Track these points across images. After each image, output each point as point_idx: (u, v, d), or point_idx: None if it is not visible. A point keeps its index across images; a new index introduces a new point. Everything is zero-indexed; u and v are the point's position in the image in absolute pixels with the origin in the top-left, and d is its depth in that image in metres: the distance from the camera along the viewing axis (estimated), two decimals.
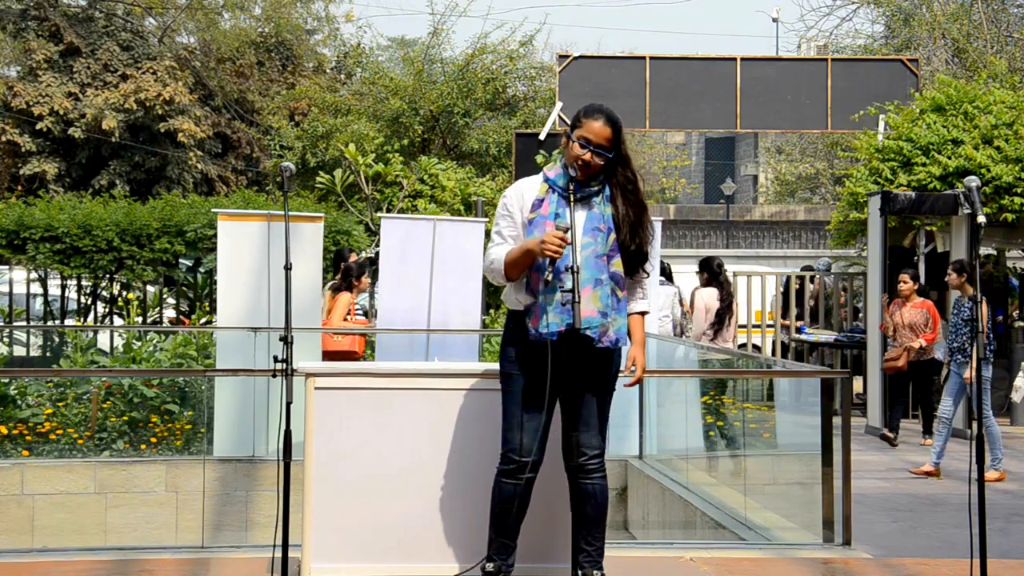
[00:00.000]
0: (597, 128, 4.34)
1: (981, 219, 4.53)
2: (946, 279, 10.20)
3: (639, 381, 4.50)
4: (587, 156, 4.34)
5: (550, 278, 4.26)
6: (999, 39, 20.62)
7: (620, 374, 4.53)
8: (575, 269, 4.26)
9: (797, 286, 15.11)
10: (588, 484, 4.43)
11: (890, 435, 10.79)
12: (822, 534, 5.78)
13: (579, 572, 4.49)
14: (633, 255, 4.42)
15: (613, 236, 4.36)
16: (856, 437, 10.68)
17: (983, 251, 13.69)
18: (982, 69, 17.80)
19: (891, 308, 11.10)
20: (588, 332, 4.28)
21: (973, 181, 4.67)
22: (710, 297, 11.54)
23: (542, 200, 4.40)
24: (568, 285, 4.26)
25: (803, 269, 16.94)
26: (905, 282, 10.91)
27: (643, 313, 4.57)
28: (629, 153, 4.49)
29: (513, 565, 4.55)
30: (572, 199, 4.36)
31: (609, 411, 4.51)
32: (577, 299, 4.22)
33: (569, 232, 4.29)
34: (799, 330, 14.78)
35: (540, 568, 4.75)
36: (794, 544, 5.87)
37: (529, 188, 4.48)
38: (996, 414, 12.68)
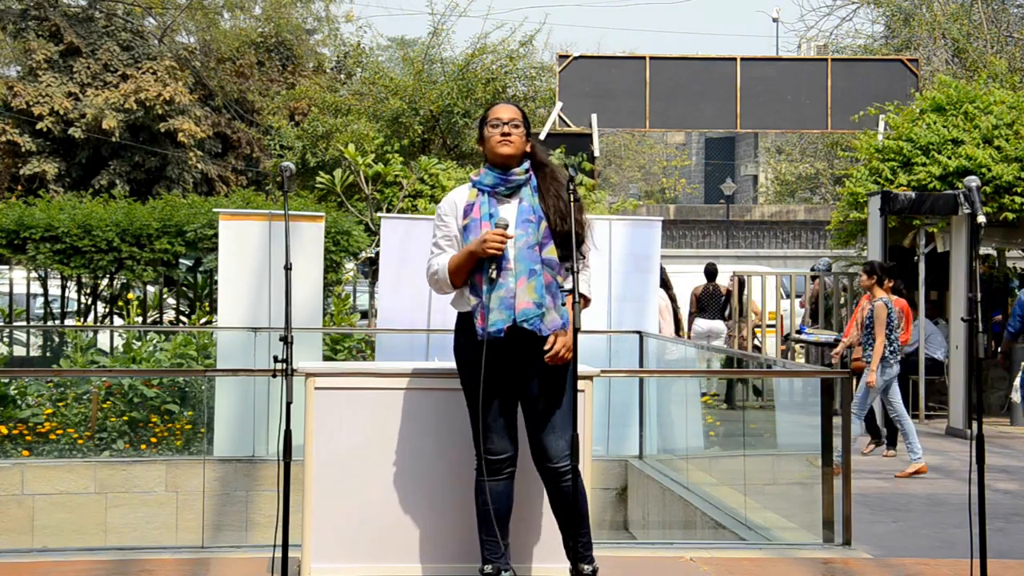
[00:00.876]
0: (500, 108, 4.53)
1: (981, 219, 4.54)
2: (857, 279, 9.96)
3: (555, 355, 4.33)
4: (504, 128, 4.45)
5: (494, 275, 4.33)
6: (999, 39, 20.62)
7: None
8: (575, 270, 4.29)
9: (730, 286, 14.90)
10: (563, 485, 4.42)
11: (890, 453, 10.32)
12: (822, 534, 5.78)
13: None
14: (566, 238, 4.40)
15: (544, 224, 4.42)
16: (856, 437, 10.67)
17: (983, 251, 13.68)
18: (982, 69, 17.81)
19: (860, 305, 10.44)
20: (526, 325, 4.31)
21: (973, 181, 4.67)
22: (664, 298, 11.91)
23: (472, 204, 4.49)
24: (511, 283, 4.33)
25: (812, 269, 16.94)
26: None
27: (584, 297, 4.50)
28: (541, 151, 4.62)
29: (509, 564, 4.55)
30: (572, 196, 4.38)
31: (575, 406, 4.46)
32: (577, 299, 4.25)
33: (532, 228, 4.39)
34: (799, 330, 14.78)
35: (538, 568, 4.75)
36: (794, 544, 5.87)
37: (460, 195, 4.59)
38: (996, 414, 12.74)
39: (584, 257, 4.54)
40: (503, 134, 4.46)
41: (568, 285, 4.48)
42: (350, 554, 4.80)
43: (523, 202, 4.48)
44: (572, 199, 4.38)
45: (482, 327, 4.34)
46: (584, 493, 4.49)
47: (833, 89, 16.31)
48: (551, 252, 4.40)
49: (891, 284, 10.13)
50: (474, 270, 4.40)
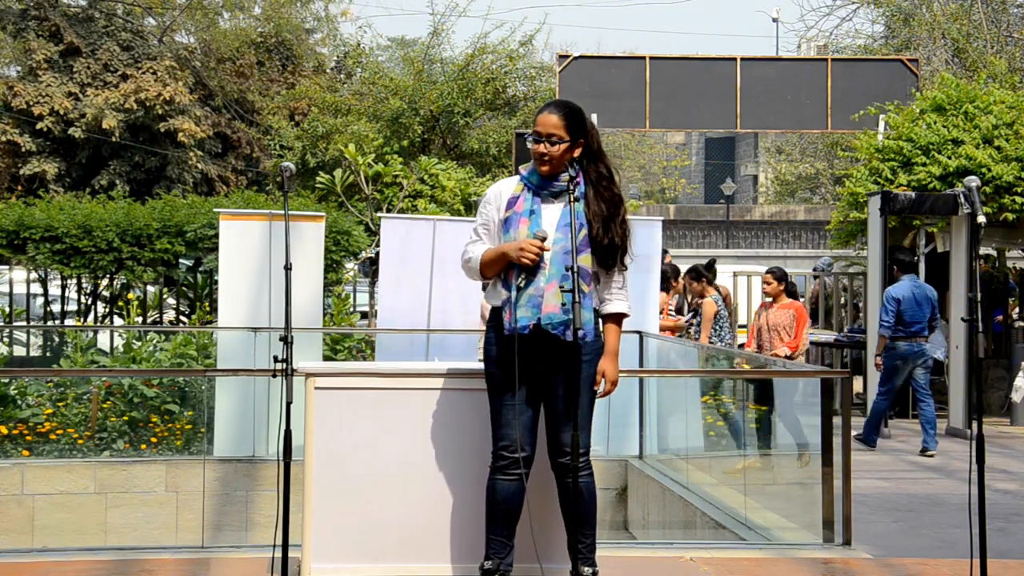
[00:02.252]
0: (543, 119, 4.44)
1: (981, 219, 4.53)
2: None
3: (608, 394, 4.48)
4: (541, 147, 4.41)
5: (523, 285, 4.33)
6: (999, 39, 20.61)
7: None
8: (575, 270, 4.28)
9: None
10: (575, 481, 4.42)
11: None
12: (822, 534, 5.78)
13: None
14: (607, 249, 4.42)
15: (584, 232, 4.39)
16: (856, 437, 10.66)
17: (983, 251, 13.68)
18: (982, 69, 17.80)
19: (757, 311, 10.25)
20: (550, 329, 4.33)
21: (973, 181, 4.67)
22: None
23: (517, 198, 4.47)
24: (540, 283, 4.34)
25: (815, 270, 16.92)
26: (768, 282, 9.89)
27: (618, 315, 4.53)
28: (601, 148, 4.54)
29: (511, 564, 4.55)
30: (571, 197, 4.38)
31: (592, 407, 4.49)
32: (578, 299, 4.24)
33: (558, 237, 4.37)
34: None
35: (538, 568, 4.74)
36: (794, 544, 5.87)
37: (507, 187, 4.57)
38: (996, 414, 12.73)
39: (626, 268, 4.53)
40: (539, 152, 4.42)
41: (610, 303, 4.49)
42: (350, 554, 4.80)
43: (567, 205, 4.43)
44: (572, 199, 4.38)
45: (509, 322, 4.35)
46: (594, 495, 4.51)
47: (833, 89, 16.29)
48: (584, 261, 4.37)
49: (782, 288, 9.85)
50: (507, 266, 4.40)
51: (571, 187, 4.39)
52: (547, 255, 4.36)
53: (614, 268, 4.48)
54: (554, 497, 4.60)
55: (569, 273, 4.31)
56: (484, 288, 4.60)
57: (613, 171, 4.53)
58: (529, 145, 4.47)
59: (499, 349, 4.43)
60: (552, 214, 4.44)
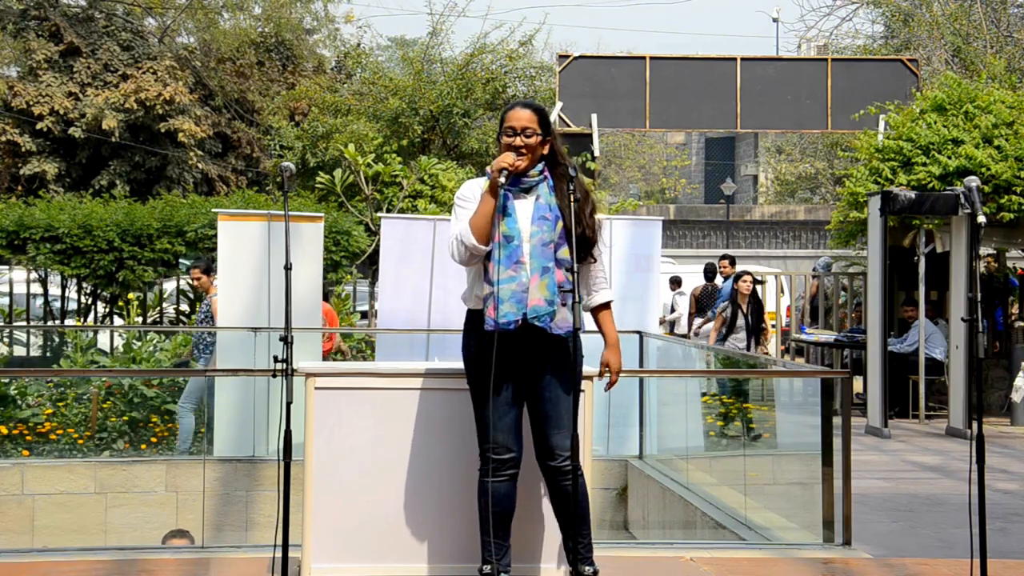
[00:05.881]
0: (516, 114, 4.46)
1: (981, 219, 4.53)
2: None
3: (613, 384, 4.50)
4: (516, 141, 4.42)
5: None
6: (998, 39, 20.61)
7: (596, 377, 4.54)
8: (575, 270, 4.28)
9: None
10: (566, 484, 4.41)
11: None
12: (822, 534, 5.78)
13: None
14: (579, 239, 4.43)
15: (560, 224, 4.40)
16: (856, 437, 10.68)
17: (983, 251, 13.67)
18: (981, 70, 17.80)
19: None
20: (537, 322, 4.32)
21: (973, 181, 4.67)
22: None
23: None
24: (523, 277, 4.32)
25: (814, 270, 16.92)
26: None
27: (607, 306, 4.57)
28: (561, 148, 4.58)
29: (509, 565, 4.54)
30: (572, 196, 4.38)
31: (578, 406, 4.48)
32: (578, 299, 4.24)
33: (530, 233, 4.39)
34: (800, 329, 14.77)
35: (536, 568, 4.75)
36: (794, 544, 5.87)
37: (479, 185, 4.58)
38: (996, 414, 12.73)
39: (596, 260, 4.55)
40: (515, 145, 4.41)
41: (596, 294, 4.54)
42: (350, 554, 4.80)
43: (539, 199, 4.44)
44: (572, 199, 4.38)
45: (492, 318, 4.32)
46: (586, 494, 4.49)
47: (833, 89, 16.31)
48: (565, 253, 4.37)
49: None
50: (487, 258, 4.36)
51: (571, 186, 4.39)
52: (526, 249, 4.35)
53: (586, 259, 4.50)
54: (545, 497, 4.59)
55: (551, 266, 4.33)
56: (463, 270, 4.56)
57: (575, 166, 4.58)
58: (503, 140, 4.44)
59: (478, 349, 4.40)
60: (525, 208, 4.44)
